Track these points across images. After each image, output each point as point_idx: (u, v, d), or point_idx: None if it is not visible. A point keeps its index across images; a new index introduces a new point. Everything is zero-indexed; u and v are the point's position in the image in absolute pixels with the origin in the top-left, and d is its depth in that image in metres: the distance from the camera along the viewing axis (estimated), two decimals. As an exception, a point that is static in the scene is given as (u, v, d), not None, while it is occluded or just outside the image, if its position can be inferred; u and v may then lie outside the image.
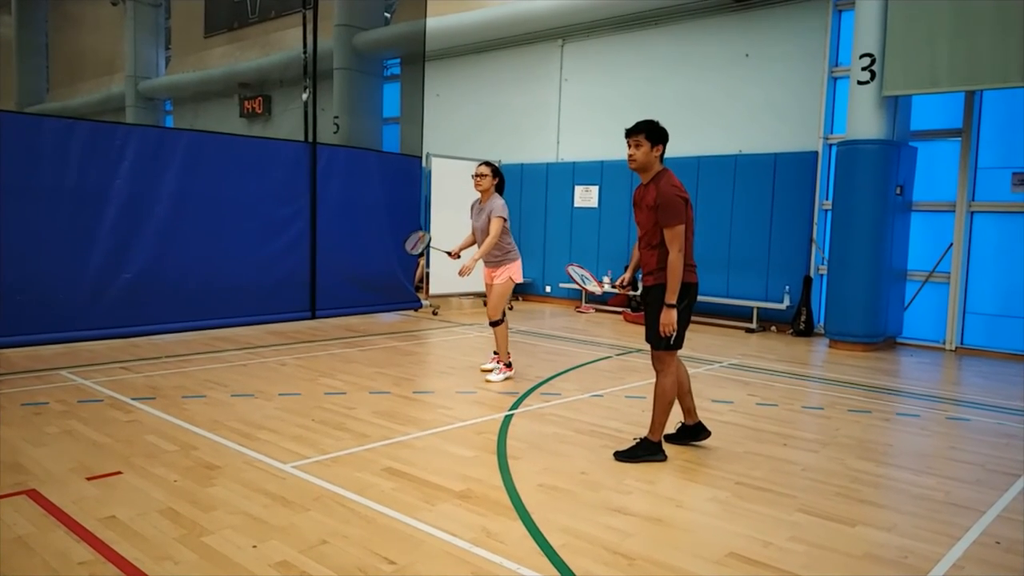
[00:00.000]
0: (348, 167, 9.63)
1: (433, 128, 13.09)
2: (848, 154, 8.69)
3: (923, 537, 3.46)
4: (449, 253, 6.86)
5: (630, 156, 4.34)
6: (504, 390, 6.21)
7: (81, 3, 21.95)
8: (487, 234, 6.42)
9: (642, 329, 4.61)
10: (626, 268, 4.93)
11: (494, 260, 6.57)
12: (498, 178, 6.57)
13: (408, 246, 7.44)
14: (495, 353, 6.82)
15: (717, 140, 10.81)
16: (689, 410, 4.71)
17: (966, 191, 8.90)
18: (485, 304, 6.92)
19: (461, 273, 6.28)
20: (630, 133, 4.33)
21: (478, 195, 6.65)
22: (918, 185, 9.22)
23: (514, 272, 6.61)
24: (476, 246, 6.67)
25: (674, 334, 4.29)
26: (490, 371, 6.65)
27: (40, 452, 4.30)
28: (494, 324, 6.61)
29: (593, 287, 6.30)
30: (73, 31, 22.50)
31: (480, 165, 6.60)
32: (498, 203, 6.47)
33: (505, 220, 6.44)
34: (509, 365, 6.66)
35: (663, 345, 4.35)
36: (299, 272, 9.15)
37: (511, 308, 12.06)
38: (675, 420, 4.84)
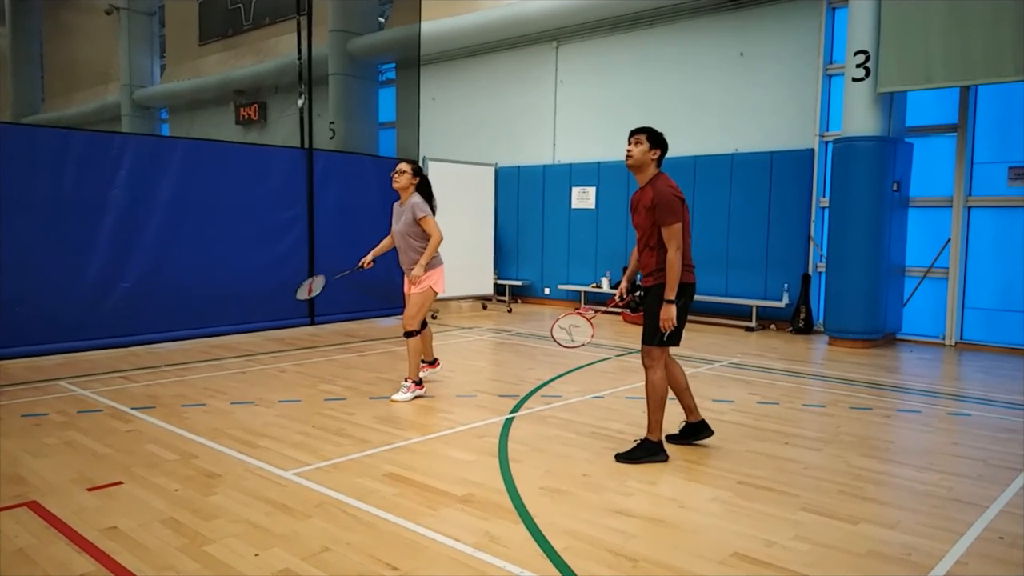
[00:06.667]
0: (344, 172, 9.62)
1: (429, 132, 13.08)
2: (844, 151, 8.70)
3: (926, 533, 3.46)
4: (359, 267, 6.32)
5: (628, 152, 4.43)
6: (504, 393, 6.20)
7: (75, 13, 21.94)
8: (410, 237, 5.87)
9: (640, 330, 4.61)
10: (623, 278, 4.88)
11: (410, 265, 5.91)
12: (418, 178, 5.97)
13: (301, 296, 6.81)
14: (408, 381, 5.95)
15: (713, 139, 10.81)
16: (690, 408, 4.72)
17: (963, 186, 8.91)
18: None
19: (412, 281, 5.86)
20: (634, 132, 4.46)
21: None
22: (915, 181, 9.23)
23: (435, 280, 5.92)
24: (397, 251, 6.06)
25: (671, 330, 4.34)
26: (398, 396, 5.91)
27: (40, 463, 4.29)
28: (409, 335, 5.89)
29: (583, 334, 5.26)
30: (67, 41, 22.50)
31: (400, 162, 6.03)
32: (416, 200, 5.85)
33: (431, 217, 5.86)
34: (419, 382, 5.99)
35: (657, 340, 4.40)
36: (297, 278, 9.09)
37: (510, 311, 12.05)
38: (678, 420, 4.85)
